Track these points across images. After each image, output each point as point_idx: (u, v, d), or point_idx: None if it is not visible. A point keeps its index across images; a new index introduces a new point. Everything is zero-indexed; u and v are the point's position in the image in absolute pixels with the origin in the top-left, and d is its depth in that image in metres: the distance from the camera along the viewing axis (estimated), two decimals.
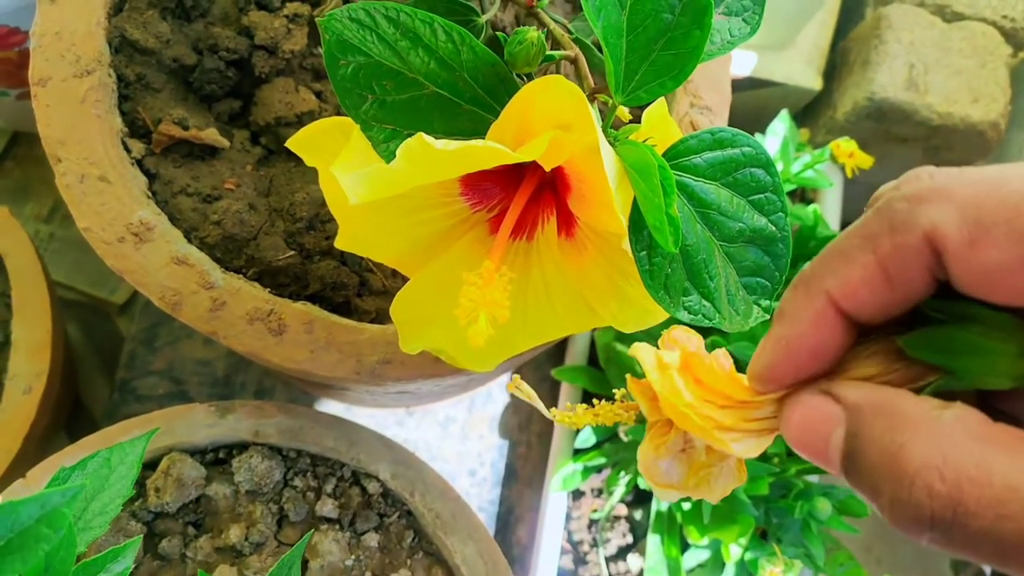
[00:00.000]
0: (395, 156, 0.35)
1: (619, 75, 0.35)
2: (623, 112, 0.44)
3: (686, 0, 0.33)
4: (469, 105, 0.36)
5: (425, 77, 0.35)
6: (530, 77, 0.40)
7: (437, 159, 0.30)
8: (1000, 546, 0.18)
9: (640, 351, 0.26)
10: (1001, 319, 0.22)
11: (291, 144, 0.42)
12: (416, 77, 0.35)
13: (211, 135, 0.55)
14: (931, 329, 0.23)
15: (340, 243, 0.41)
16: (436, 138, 0.36)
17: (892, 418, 0.21)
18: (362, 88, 0.35)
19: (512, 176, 0.38)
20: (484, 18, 0.47)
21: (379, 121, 0.35)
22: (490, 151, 0.31)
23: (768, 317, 0.31)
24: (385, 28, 0.34)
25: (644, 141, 0.34)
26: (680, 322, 0.32)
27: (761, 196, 0.35)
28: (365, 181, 0.31)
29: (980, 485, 0.19)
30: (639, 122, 0.38)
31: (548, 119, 0.34)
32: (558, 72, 0.44)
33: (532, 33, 0.37)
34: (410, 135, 0.35)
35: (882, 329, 0.24)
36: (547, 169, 0.35)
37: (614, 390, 0.30)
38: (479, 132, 0.36)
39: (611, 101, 0.36)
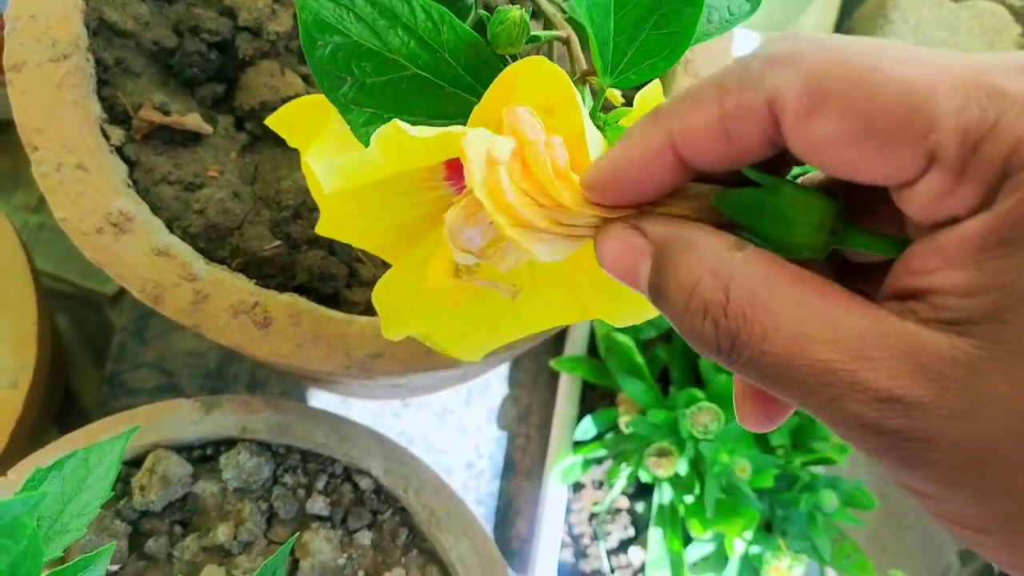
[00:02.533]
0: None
1: (606, 56, 0.33)
2: (615, 95, 0.43)
3: None
4: (451, 87, 0.35)
5: (405, 58, 0.34)
6: (515, 58, 0.38)
7: (413, 146, 0.29)
8: (764, 375, 0.21)
9: (469, 144, 0.25)
10: (810, 195, 0.23)
11: (271, 122, 0.40)
12: (396, 58, 0.33)
13: (193, 120, 0.53)
14: (744, 190, 0.23)
15: (321, 229, 0.40)
16: (417, 121, 0.35)
17: (690, 254, 0.22)
18: (340, 70, 0.33)
19: None
20: None
21: (358, 104, 0.34)
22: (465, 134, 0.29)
23: None
24: (363, 7, 0.33)
25: None
26: None
27: None
28: (339, 170, 0.30)
29: (753, 321, 0.21)
30: (629, 105, 0.36)
31: (532, 102, 0.33)
32: (551, 52, 0.43)
33: (514, 12, 0.35)
34: (390, 118, 0.34)
35: (716, 179, 0.24)
36: None
37: None
38: (462, 115, 0.35)
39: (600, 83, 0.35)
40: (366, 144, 0.34)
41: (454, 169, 0.36)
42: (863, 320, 0.20)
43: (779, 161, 0.23)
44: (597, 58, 0.33)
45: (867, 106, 0.19)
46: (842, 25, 0.93)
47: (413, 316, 0.41)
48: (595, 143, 0.30)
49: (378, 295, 0.40)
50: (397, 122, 0.28)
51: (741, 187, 0.24)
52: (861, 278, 0.25)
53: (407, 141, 0.28)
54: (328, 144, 0.35)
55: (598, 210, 0.25)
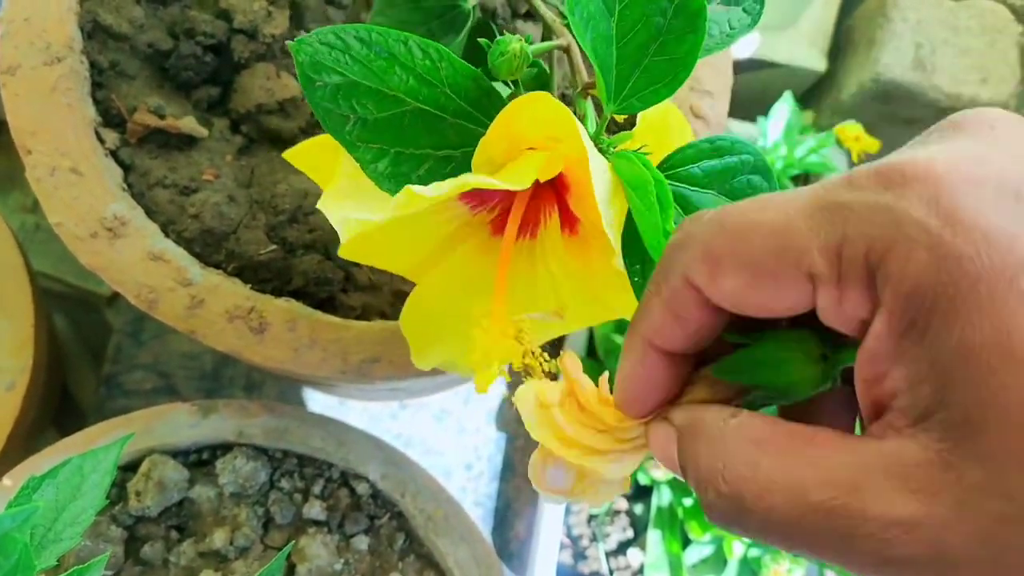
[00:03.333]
0: (384, 176, 0.34)
1: (609, 84, 0.33)
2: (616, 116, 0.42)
3: (678, 2, 0.32)
4: (454, 119, 0.35)
5: (406, 94, 0.34)
6: (516, 83, 0.38)
7: (431, 202, 0.30)
8: (776, 532, 0.21)
9: (520, 399, 0.28)
10: (792, 334, 0.25)
11: (288, 157, 0.40)
12: (396, 94, 0.34)
13: (188, 124, 0.52)
14: (736, 353, 0.25)
15: (344, 252, 0.40)
16: (423, 154, 0.35)
17: (698, 434, 0.24)
18: (341, 108, 0.33)
19: None
20: (472, 1, 0.44)
21: (364, 141, 0.34)
22: (481, 183, 0.31)
23: None
24: (358, 50, 0.33)
25: (640, 148, 0.33)
26: None
27: None
28: (354, 225, 0.32)
29: (751, 483, 0.21)
30: (635, 121, 0.36)
31: (536, 133, 0.33)
32: (551, 58, 0.42)
33: (514, 44, 0.35)
34: (398, 152, 0.34)
35: (719, 352, 0.26)
36: (543, 181, 0.34)
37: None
38: (467, 144, 0.35)
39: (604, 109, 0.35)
40: (375, 179, 0.34)
41: (466, 193, 0.36)
42: (849, 454, 0.20)
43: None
44: (602, 86, 0.33)
45: (749, 254, 0.22)
46: (842, 25, 0.92)
47: (441, 342, 0.41)
48: (599, 172, 0.30)
49: (406, 323, 0.40)
50: (411, 189, 0.29)
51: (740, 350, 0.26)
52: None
53: (426, 201, 0.29)
54: (342, 185, 0.35)
55: (640, 420, 0.28)
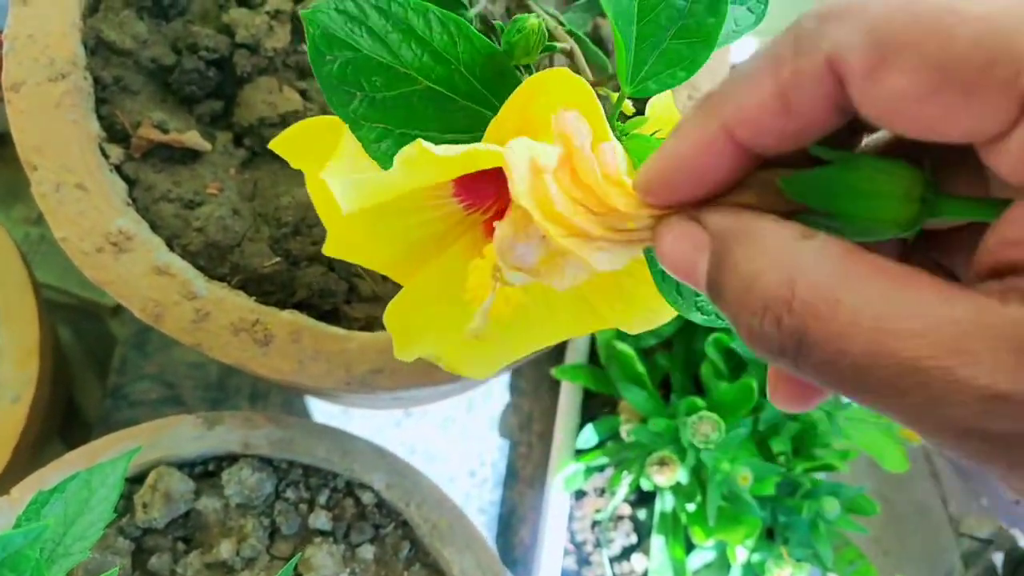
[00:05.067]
0: (387, 156, 0.33)
1: (628, 64, 0.33)
2: (626, 106, 0.42)
3: None
4: (465, 100, 0.34)
5: (418, 72, 0.33)
6: (529, 68, 0.38)
7: (438, 164, 0.28)
8: (840, 378, 0.18)
9: (512, 153, 0.24)
10: (890, 164, 0.20)
11: (275, 145, 0.39)
12: (408, 72, 0.33)
13: (192, 138, 0.53)
14: (814, 171, 0.21)
15: (328, 250, 0.39)
16: (429, 136, 0.34)
17: (753, 245, 0.20)
18: (350, 85, 0.32)
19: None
20: (473, 11, 0.45)
21: (369, 120, 0.33)
22: (494, 155, 0.29)
23: None
24: (375, 20, 0.32)
25: (652, 135, 0.33)
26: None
27: None
28: (358, 189, 0.29)
29: (827, 320, 0.18)
30: (641, 115, 0.36)
31: (551, 114, 0.32)
32: (551, 66, 0.42)
33: (532, 20, 0.35)
34: (403, 134, 0.34)
35: (783, 164, 0.22)
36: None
37: None
38: (475, 128, 0.34)
39: (616, 94, 0.35)
40: (378, 160, 0.33)
41: (463, 186, 0.36)
42: (958, 308, 0.17)
43: (850, 132, 0.21)
44: (621, 65, 0.33)
45: (943, 54, 0.17)
46: None
47: (425, 337, 0.41)
48: (619, 154, 0.30)
49: (390, 317, 0.40)
50: (422, 142, 0.27)
51: (810, 168, 0.21)
52: (935, 256, 0.23)
53: (433, 161, 0.27)
54: (341, 164, 0.34)
55: (656, 211, 0.23)
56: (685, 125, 0.22)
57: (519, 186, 0.24)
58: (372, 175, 0.29)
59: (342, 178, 0.30)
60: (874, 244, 0.20)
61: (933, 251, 0.22)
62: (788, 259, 0.19)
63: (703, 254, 0.21)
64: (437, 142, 0.34)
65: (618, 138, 0.33)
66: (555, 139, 0.25)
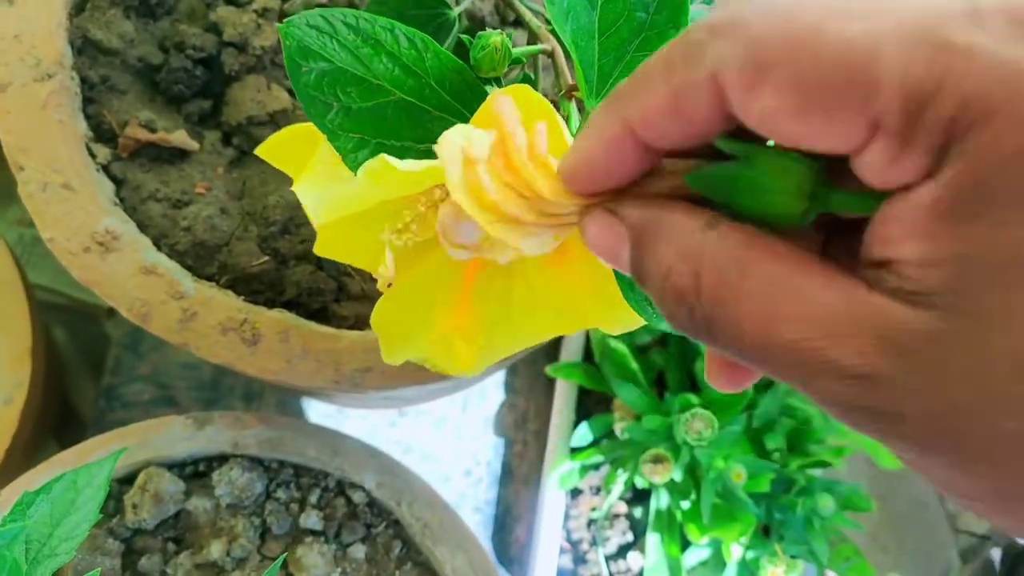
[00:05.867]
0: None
1: (591, 78, 0.33)
2: None
3: None
4: (437, 111, 0.35)
5: (390, 84, 0.33)
6: (499, 80, 0.38)
7: (401, 177, 0.29)
8: (745, 356, 0.20)
9: (444, 145, 0.25)
10: (787, 160, 0.21)
11: (261, 152, 0.40)
12: (381, 84, 0.33)
13: (180, 137, 0.53)
14: (716, 166, 0.22)
15: (319, 249, 0.40)
16: (404, 147, 0.35)
17: (663, 239, 0.22)
18: (326, 96, 0.33)
19: None
20: (458, 9, 0.45)
21: (345, 130, 0.34)
22: None
23: None
24: (345, 35, 0.33)
25: None
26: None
27: None
28: (327, 204, 0.30)
29: (726, 305, 0.20)
30: None
31: None
32: (536, 64, 0.42)
33: (495, 38, 0.35)
34: (379, 143, 0.34)
35: (691, 153, 0.23)
36: None
37: None
38: None
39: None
40: (355, 170, 0.34)
41: (447, 192, 0.36)
42: (834, 295, 0.19)
43: None
44: (582, 81, 0.33)
45: (808, 74, 0.18)
46: None
47: (413, 339, 0.41)
48: (546, 133, 0.30)
49: (377, 319, 0.40)
50: (384, 157, 0.27)
51: (718, 160, 0.23)
52: (850, 241, 0.24)
53: (395, 174, 0.28)
54: (318, 171, 0.35)
55: (578, 198, 0.25)
56: (594, 121, 0.23)
57: (452, 178, 0.25)
58: (340, 189, 0.30)
59: (313, 192, 0.31)
60: (792, 230, 0.22)
61: (849, 236, 0.23)
62: (694, 250, 0.21)
63: (624, 245, 0.23)
64: (412, 152, 0.35)
65: None
66: (492, 124, 0.26)
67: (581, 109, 0.36)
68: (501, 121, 0.26)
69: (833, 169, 0.21)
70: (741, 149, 0.22)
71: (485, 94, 0.35)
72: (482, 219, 0.25)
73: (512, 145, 0.25)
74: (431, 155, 0.35)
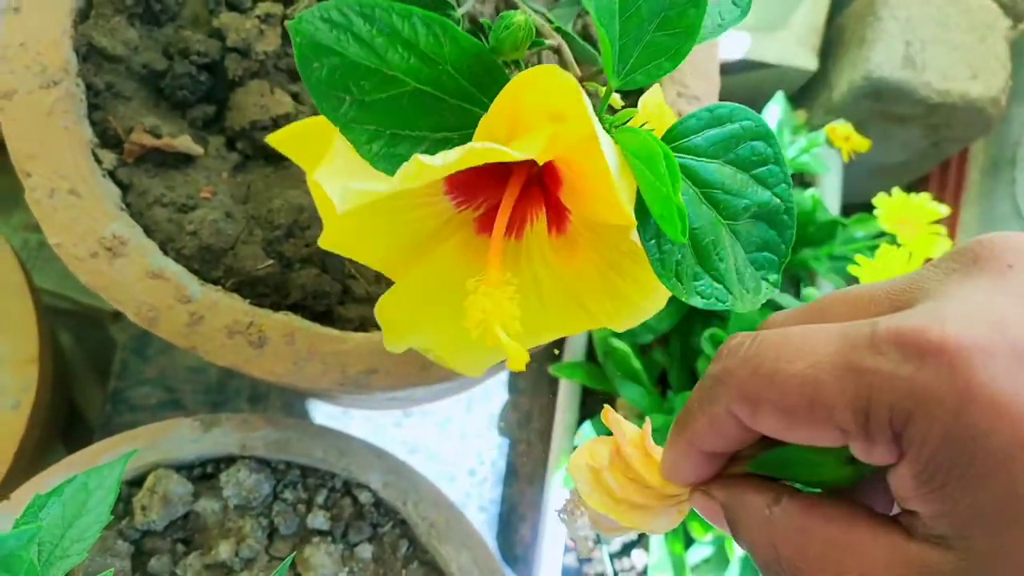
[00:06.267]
0: (379, 156, 0.33)
1: (614, 58, 0.33)
2: (615, 100, 0.43)
3: None
4: (454, 99, 0.34)
5: (405, 74, 0.33)
6: (518, 64, 0.38)
7: (438, 173, 0.30)
8: None
9: (574, 470, 0.32)
10: None
11: (272, 140, 0.40)
12: (396, 75, 0.33)
13: (184, 142, 0.53)
14: (769, 452, 0.28)
15: (324, 243, 0.40)
16: (420, 136, 0.35)
17: (743, 514, 0.27)
18: (338, 90, 0.33)
19: (498, 173, 0.37)
20: (461, 11, 0.45)
21: (359, 122, 0.33)
22: (490, 152, 0.30)
23: (777, 291, 0.34)
24: (360, 26, 0.32)
25: (641, 127, 0.33)
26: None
27: (764, 169, 0.34)
28: (352, 191, 0.30)
29: (802, 564, 0.25)
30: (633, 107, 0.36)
31: (540, 110, 0.33)
32: (540, 63, 0.43)
33: (519, 16, 0.35)
34: (393, 134, 0.34)
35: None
36: (541, 163, 0.34)
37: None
38: (465, 127, 0.34)
39: (603, 88, 0.35)
40: (369, 160, 0.34)
41: (454, 184, 0.37)
42: (883, 546, 0.24)
43: None
44: (607, 59, 0.33)
45: (784, 403, 0.24)
46: (832, 23, 0.93)
47: (418, 330, 0.41)
48: (608, 147, 0.30)
49: (381, 310, 0.40)
50: (419, 158, 0.29)
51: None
52: None
53: (433, 172, 0.29)
54: (337, 161, 0.34)
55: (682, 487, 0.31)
56: (669, 440, 0.29)
57: (585, 492, 0.31)
58: (368, 185, 0.30)
59: (336, 180, 0.31)
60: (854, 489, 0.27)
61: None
62: (767, 525, 0.26)
63: (722, 519, 0.29)
64: (428, 141, 0.35)
65: (607, 131, 0.34)
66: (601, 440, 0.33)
67: (593, 100, 0.36)
68: (618, 430, 0.32)
69: None
70: None
71: (505, 78, 0.35)
72: (617, 515, 0.31)
73: (628, 452, 0.31)
74: (448, 143, 0.35)
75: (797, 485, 0.28)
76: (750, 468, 0.29)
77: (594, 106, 0.35)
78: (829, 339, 0.24)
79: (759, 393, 0.25)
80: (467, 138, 0.33)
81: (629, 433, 0.32)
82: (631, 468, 0.31)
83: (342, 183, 0.31)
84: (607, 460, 0.31)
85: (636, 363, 0.75)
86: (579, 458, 0.32)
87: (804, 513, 0.26)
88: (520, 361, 0.36)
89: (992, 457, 0.21)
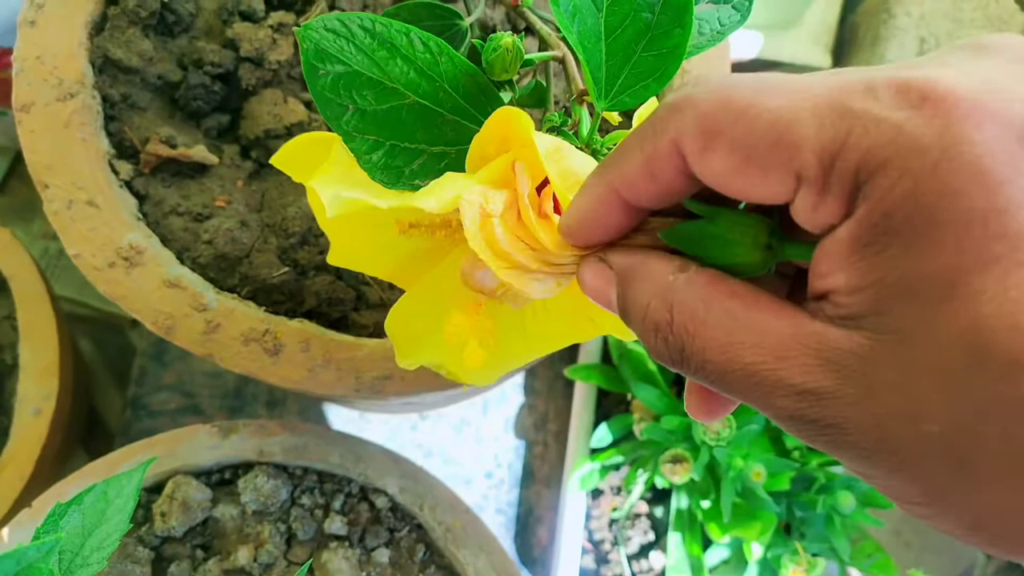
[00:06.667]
0: (378, 167, 0.34)
1: (600, 81, 0.33)
2: (612, 116, 0.43)
3: None
4: (451, 115, 0.35)
5: (405, 87, 0.34)
6: (511, 83, 0.38)
7: (419, 211, 0.30)
8: (711, 380, 0.24)
9: (465, 204, 0.29)
10: (746, 218, 0.26)
11: (275, 161, 0.40)
12: (396, 87, 0.34)
13: (199, 152, 0.54)
14: (687, 223, 0.26)
15: (332, 259, 0.40)
16: (418, 149, 0.35)
17: (643, 281, 0.26)
18: (342, 98, 0.34)
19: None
20: (470, 20, 0.45)
21: (361, 132, 0.34)
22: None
23: None
24: (362, 38, 0.33)
25: None
26: None
27: None
28: (344, 202, 0.31)
29: (694, 338, 0.24)
30: (630, 122, 0.36)
31: (515, 142, 0.33)
32: (547, 71, 0.43)
33: (507, 39, 0.36)
34: (393, 145, 0.35)
35: (670, 212, 0.27)
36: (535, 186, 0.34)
37: None
38: (461, 142, 0.35)
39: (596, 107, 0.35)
40: (369, 170, 0.34)
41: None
42: (784, 324, 0.22)
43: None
44: (590, 83, 0.34)
45: (746, 139, 0.22)
46: (845, 21, 0.93)
47: (427, 344, 0.41)
48: (585, 165, 0.31)
49: (391, 324, 0.40)
50: (415, 201, 0.29)
51: (692, 219, 0.27)
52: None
53: (419, 213, 0.30)
54: (333, 171, 0.35)
55: (576, 250, 0.29)
56: (585, 185, 0.27)
57: (470, 229, 0.29)
58: (357, 194, 0.31)
59: (330, 187, 0.32)
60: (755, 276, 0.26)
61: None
62: (667, 290, 0.25)
63: (612, 287, 0.27)
64: (425, 155, 0.35)
65: (595, 152, 0.34)
66: (513, 185, 0.30)
67: (592, 113, 0.36)
68: (516, 183, 0.30)
69: (788, 227, 0.25)
70: (706, 210, 0.26)
71: (498, 98, 0.36)
72: (494, 265, 0.29)
73: (523, 204, 0.29)
74: (444, 157, 0.36)
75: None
76: (661, 236, 0.27)
77: (593, 122, 0.35)
78: (821, 82, 0.22)
79: (720, 126, 0.23)
80: (463, 152, 0.34)
81: (529, 189, 0.30)
82: (522, 226, 0.29)
83: (334, 190, 0.32)
84: (500, 208, 0.29)
85: (651, 365, 0.75)
86: (473, 195, 0.29)
87: (709, 284, 0.24)
88: (482, 377, 0.37)
89: (953, 222, 0.19)
